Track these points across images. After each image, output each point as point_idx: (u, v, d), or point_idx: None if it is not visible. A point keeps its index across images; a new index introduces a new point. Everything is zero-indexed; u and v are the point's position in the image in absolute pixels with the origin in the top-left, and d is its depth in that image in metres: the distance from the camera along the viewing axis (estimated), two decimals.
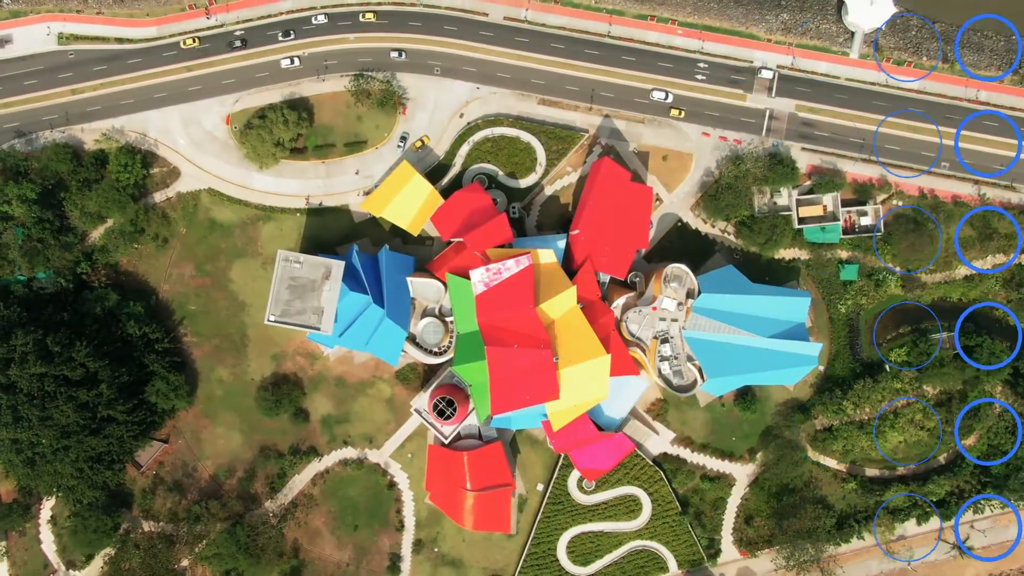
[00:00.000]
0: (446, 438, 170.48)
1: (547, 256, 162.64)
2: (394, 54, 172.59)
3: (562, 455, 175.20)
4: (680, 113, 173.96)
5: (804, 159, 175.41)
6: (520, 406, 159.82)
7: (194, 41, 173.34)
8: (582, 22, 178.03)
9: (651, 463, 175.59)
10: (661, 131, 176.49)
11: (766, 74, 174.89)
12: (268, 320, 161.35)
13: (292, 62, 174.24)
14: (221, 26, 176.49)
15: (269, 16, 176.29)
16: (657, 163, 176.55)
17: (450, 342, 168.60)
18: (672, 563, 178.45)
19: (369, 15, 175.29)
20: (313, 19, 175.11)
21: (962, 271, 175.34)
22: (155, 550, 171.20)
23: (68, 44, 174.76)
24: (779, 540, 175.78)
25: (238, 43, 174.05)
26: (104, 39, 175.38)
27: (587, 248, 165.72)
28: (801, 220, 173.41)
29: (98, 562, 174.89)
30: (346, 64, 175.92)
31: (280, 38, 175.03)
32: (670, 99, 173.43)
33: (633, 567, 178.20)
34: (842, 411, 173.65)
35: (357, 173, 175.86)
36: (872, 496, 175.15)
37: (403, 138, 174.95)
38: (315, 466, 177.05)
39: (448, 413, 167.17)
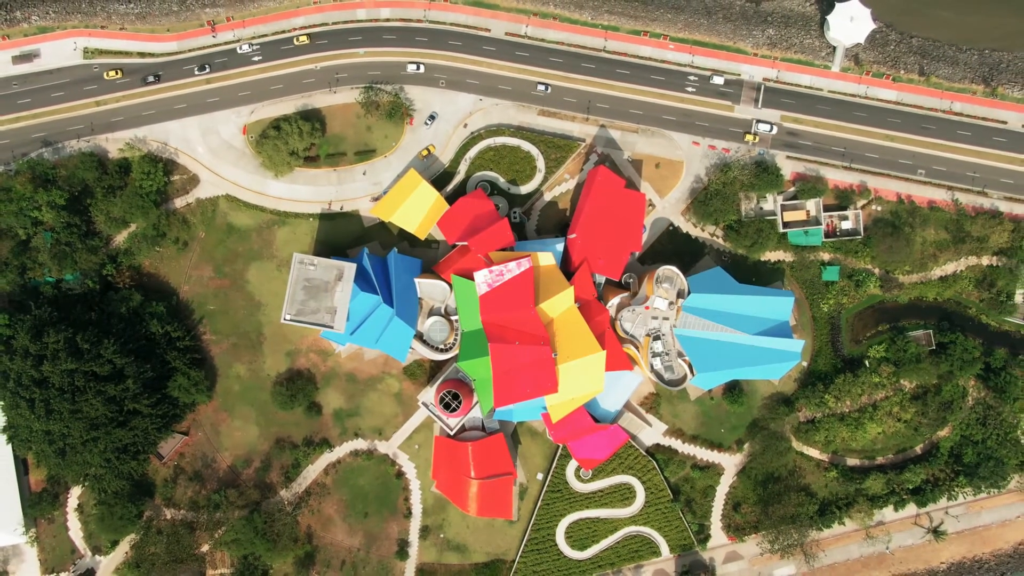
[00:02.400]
0: (451, 430, 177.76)
1: (546, 258, 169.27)
2: (411, 67, 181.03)
3: (560, 446, 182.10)
4: (755, 138, 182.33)
5: (788, 167, 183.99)
6: (521, 399, 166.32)
7: (117, 73, 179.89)
8: (579, 37, 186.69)
9: (644, 453, 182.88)
10: (654, 140, 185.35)
11: (717, 80, 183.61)
12: (284, 319, 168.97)
13: (417, 68, 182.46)
14: (237, 41, 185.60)
15: (283, 32, 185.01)
16: (650, 170, 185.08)
17: (455, 339, 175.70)
18: (664, 548, 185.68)
19: (303, 38, 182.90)
20: (238, 48, 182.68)
21: (937, 272, 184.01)
22: (177, 536, 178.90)
23: (93, 58, 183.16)
24: (765, 526, 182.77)
25: (151, 78, 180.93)
26: (127, 53, 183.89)
27: (584, 251, 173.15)
28: (785, 224, 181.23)
29: (123, 547, 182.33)
30: (357, 77, 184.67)
31: (196, 72, 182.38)
32: (774, 131, 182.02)
33: (627, 551, 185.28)
34: (824, 404, 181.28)
35: (364, 174, 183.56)
36: (852, 484, 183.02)
37: (432, 117, 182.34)
38: (327, 457, 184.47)
39: (453, 406, 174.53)
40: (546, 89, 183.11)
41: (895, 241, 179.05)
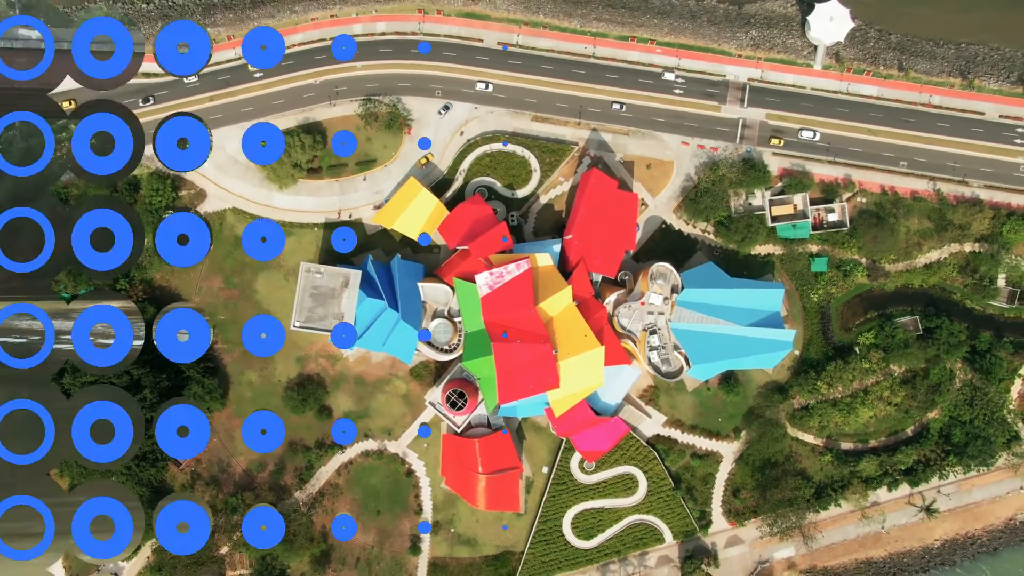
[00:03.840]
0: (458, 427, 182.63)
1: (544, 259, 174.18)
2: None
3: (564, 439, 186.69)
4: (780, 143, 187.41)
5: (775, 163, 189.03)
6: (524, 395, 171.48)
7: (70, 103, 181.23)
8: (569, 44, 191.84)
9: (645, 444, 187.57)
10: (644, 142, 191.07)
11: (668, 76, 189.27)
12: (293, 326, 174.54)
13: (486, 87, 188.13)
14: (239, 58, 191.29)
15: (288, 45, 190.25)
16: (641, 171, 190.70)
17: (459, 340, 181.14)
18: (667, 534, 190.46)
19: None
20: (187, 77, 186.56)
21: (921, 260, 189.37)
22: None
23: None
24: (764, 510, 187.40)
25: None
26: None
27: (580, 251, 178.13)
28: (774, 219, 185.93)
29: (145, 552, 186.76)
30: (355, 90, 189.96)
31: (140, 104, 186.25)
32: (817, 137, 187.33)
33: (632, 539, 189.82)
34: (817, 391, 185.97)
35: (364, 179, 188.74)
36: (847, 467, 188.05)
37: (446, 107, 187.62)
38: (339, 458, 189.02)
39: (459, 404, 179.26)
40: (621, 108, 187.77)
41: (880, 231, 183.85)
